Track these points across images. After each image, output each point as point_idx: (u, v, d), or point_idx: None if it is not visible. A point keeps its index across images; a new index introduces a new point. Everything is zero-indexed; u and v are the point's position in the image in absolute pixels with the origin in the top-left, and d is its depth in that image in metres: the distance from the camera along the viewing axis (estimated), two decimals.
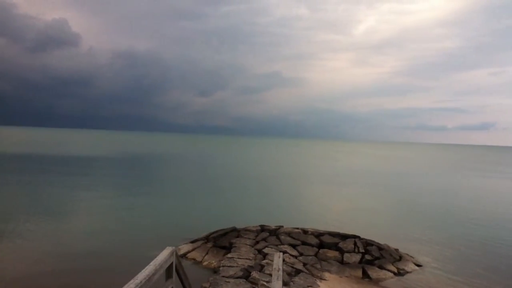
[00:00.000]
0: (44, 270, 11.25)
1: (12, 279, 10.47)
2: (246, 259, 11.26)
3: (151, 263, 4.77)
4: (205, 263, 12.32)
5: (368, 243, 13.46)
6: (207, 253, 12.91)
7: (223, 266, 10.56)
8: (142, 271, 4.47)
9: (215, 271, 10.90)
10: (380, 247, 13.43)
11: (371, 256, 12.76)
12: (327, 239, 13.54)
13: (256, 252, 12.15)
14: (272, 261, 10.82)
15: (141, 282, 4.14)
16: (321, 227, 15.75)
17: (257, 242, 13.16)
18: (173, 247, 5.46)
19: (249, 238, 13.51)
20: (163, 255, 5.06)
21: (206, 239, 14.00)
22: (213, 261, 12.25)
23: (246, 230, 14.34)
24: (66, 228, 16.39)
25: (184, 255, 12.73)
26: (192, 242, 14.08)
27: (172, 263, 5.35)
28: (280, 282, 4.81)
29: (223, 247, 13.10)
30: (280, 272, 5.11)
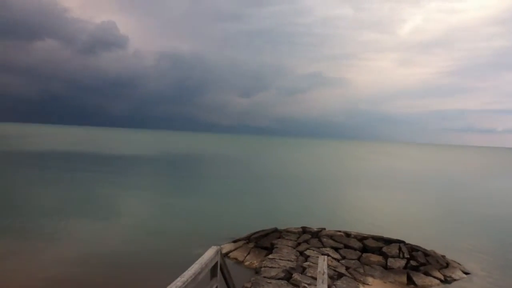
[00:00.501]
0: (89, 268, 11.60)
1: (60, 277, 10.83)
2: (288, 260, 11.23)
3: (197, 262, 4.85)
4: (246, 263, 12.40)
5: (413, 249, 13.09)
6: (248, 253, 12.98)
7: (264, 267, 10.57)
8: (188, 269, 4.56)
9: (257, 271, 10.93)
10: (426, 253, 13.03)
11: (417, 262, 12.39)
12: (370, 243, 13.28)
13: (298, 254, 12.09)
14: (314, 263, 10.75)
15: (187, 280, 4.23)
16: (364, 230, 15.46)
17: (299, 244, 13.09)
18: (218, 247, 5.53)
19: (291, 240, 13.46)
20: (208, 254, 5.13)
21: (248, 239, 14.08)
22: (255, 261, 12.30)
23: (287, 231, 14.30)
24: (111, 226, 16.91)
25: (226, 255, 12.85)
26: (234, 241, 14.21)
27: (217, 262, 5.41)
28: (325, 286, 4.77)
29: (265, 248, 13.13)
30: (325, 276, 5.07)
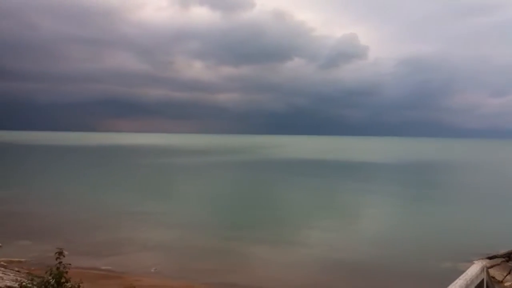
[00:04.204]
0: (335, 274, 11.94)
1: (302, 281, 11.33)
2: None
3: (461, 277, 4.59)
4: (506, 284, 11.03)
5: None
6: (509, 273, 11.48)
7: None
8: (452, 284, 4.37)
9: None
10: None
11: None
12: None
13: None
14: None
15: None
16: None
17: None
18: (483, 263, 5.11)
19: None
20: (473, 270, 4.79)
21: (508, 256, 12.48)
22: None
23: None
24: (355, 232, 17.30)
25: None
26: (490, 258, 12.78)
27: (482, 280, 5.00)
28: None
29: None
30: None
